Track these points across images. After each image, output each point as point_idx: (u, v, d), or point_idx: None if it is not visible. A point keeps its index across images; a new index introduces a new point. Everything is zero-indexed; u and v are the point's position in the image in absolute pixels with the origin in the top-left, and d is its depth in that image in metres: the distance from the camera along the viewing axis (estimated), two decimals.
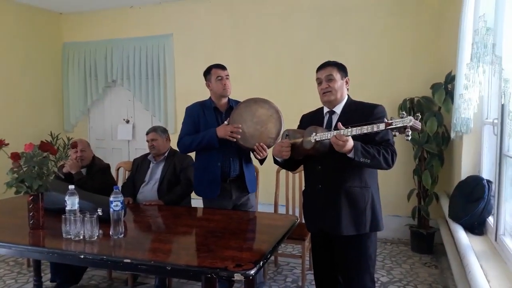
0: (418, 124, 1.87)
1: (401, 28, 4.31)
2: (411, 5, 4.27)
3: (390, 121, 1.89)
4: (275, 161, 2.39)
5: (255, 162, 2.95)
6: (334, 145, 1.98)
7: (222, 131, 2.73)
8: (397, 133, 1.90)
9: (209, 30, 5.09)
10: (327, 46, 4.52)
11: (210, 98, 2.96)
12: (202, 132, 2.85)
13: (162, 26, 5.27)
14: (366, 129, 1.94)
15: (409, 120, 1.83)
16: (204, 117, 2.90)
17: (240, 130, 2.71)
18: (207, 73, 2.92)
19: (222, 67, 2.90)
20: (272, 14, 4.78)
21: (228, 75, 2.90)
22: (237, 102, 2.94)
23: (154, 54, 5.32)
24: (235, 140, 2.72)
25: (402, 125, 1.85)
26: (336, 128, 2.03)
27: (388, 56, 4.38)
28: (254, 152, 2.74)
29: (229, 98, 2.97)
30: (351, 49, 4.43)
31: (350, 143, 1.97)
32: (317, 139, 2.05)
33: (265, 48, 4.83)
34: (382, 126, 1.90)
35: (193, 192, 3.02)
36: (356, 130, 1.95)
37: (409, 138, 1.88)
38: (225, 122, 2.78)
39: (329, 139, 2.01)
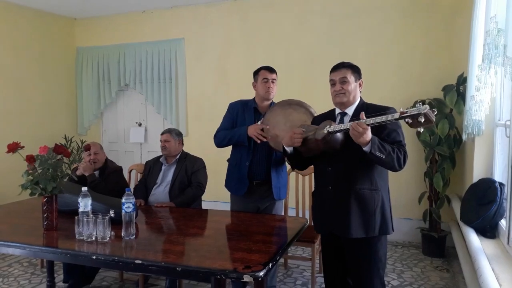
0: (433, 116, 1.81)
1: (412, 30, 4.30)
2: (422, 7, 4.25)
3: (405, 110, 1.85)
4: (284, 153, 2.38)
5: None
6: (352, 134, 1.94)
7: (252, 129, 2.74)
8: (410, 121, 1.83)
9: (220, 34, 5.13)
10: (338, 49, 4.52)
11: (254, 98, 2.97)
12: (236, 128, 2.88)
13: (174, 31, 5.34)
14: (380, 119, 1.90)
15: (425, 108, 1.79)
16: (242, 115, 2.91)
17: (268, 128, 2.68)
18: (255, 73, 2.92)
19: (271, 70, 2.89)
20: (283, 17, 4.81)
21: (275, 78, 2.88)
22: None
23: (166, 58, 5.38)
24: (259, 141, 2.71)
25: (417, 112, 1.80)
26: (360, 117, 2.01)
27: (399, 58, 4.36)
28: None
29: (272, 102, 2.95)
30: (362, 51, 4.42)
31: (369, 134, 1.94)
32: (330, 131, 2.03)
33: (276, 52, 4.85)
34: (396, 115, 1.87)
35: (224, 186, 3.03)
36: (370, 121, 1.92)
37: (422, 130, 1.84)
38: (258, 122, 2.78)
39: (342, 130, 2.00)
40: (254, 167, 2.86)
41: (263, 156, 2.86)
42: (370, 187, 2.14)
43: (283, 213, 3.13)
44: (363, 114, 1.98)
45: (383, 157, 1.99)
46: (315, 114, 2.68)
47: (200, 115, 5.25)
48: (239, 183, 2.89)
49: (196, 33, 5.23)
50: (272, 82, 2.86)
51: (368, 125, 1.93)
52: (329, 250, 2.33)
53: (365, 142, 1.95)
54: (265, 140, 2.70)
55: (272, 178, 2.88)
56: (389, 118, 1.89)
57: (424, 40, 4.26)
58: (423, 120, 1.79)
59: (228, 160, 3.04)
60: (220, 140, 2.93)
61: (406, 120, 1.85)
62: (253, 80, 2.94)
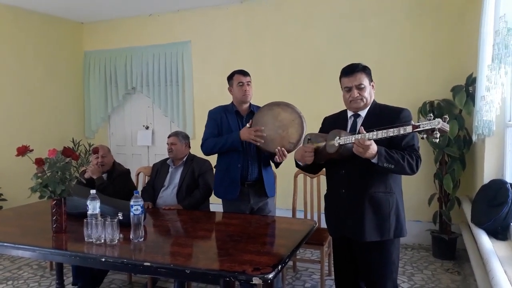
0: (447, 126, 1.79)
1: (420, 30, 4.27)
2: (430, 8, 4.22)
3: (417, 124, 1.82)
4: (297, 165, 2.37)
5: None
6: (356, 152, 1.94)
7: (246, 134, 2.75)
8: (424, 136, 1.82)
9: (227, 37, 5.14)
10: (345, 50, 4.49)
11: (232, 102, 3.00)
12: (225, 135, 2.88)
13: (180, 34, 5.35)
14: (392, 132, 1.87)
15: (437, 122, 1.76)
16: (226, 120, 2.93)
17: (264, 134, 2.71)
18: (229, 78, 2.96)
19: (244, 73, 2.92)
20: (290, 20, 4.80)
21: (249, 81, 2.92)
22: (258, 107, 2.96)
23: (172, 61, 5.40)
24: (258, 143, 2.72)
25: (430, 127, 1.78)
26: (360, 132, 2.00)
27: (407, 59, 4.33)
28: (274, 156, 2.74)
29: (250, 103, 2.99)
30: (370, 52, 4.39)
31: (374, 148, 1.92)
32: (341, 143, 2.01)
33: (282, 54, 4.85)
34: (409, 129, 1.83)
35: (213, 194, 3.05)
36: (382, 133, 1.89)
37: (438, 140, 1.82)
38: (247, 125, 2.80)
39: (353, 142, 1.98)
40: (246, 169, 2.87)
41: (254, 156, 2.89)
42: (384, 190, 2.11)
43: (275, 210, 3.12)
44: (362, 129, 1.95)
45: (392, 167, 1.97)
46: (301, 114, 2.73)
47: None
48: (231, 186, 2.87)
49: (202, 36, 5.25)
50: (248, 84, 2.90)
51: (376, 139, 1.91)
52: (341, 253, 2.31)
53: (370, 156, 1.93)
54: (262, 141, 2.71)
55: (264, 176, 2.91)
56: (401, 132, 1.86)
57: (432, 41, 4.23)
58: (438, 135, 1.78)
59: (215, 167, 3.04)
60: (209, 148, 2.92)
61: (421, 135, 1.83)
62: (228, 85, 2.97)
